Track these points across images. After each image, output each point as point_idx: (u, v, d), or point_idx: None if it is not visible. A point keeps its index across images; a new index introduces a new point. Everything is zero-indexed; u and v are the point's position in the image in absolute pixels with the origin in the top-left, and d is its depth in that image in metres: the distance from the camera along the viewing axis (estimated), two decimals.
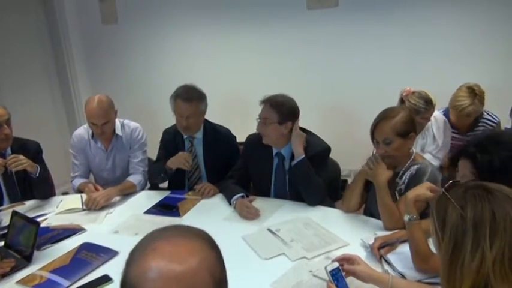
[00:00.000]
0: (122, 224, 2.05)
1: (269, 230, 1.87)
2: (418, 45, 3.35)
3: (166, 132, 2.64)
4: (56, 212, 2.24)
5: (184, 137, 2.54)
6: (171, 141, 2.57)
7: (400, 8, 3.33)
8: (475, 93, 2.69)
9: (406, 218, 1.48)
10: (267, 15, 3.66)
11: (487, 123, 2.86)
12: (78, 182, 2.58)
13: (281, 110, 2.10)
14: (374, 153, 1.96)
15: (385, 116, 1.83)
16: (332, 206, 2.33)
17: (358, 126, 3.70)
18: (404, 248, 1.57)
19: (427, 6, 3.26)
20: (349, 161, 3.28)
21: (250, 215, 2.02)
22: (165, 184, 2.66)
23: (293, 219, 1.97)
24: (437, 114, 2.88)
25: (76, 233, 1.97)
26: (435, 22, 3.27)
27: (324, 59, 3.63)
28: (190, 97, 2.38)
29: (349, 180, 2.87)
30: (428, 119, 2.77)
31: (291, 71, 3.73)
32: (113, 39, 4.19)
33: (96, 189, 2.35)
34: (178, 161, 2.36)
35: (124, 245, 1.81)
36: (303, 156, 2.10)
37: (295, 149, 2.13)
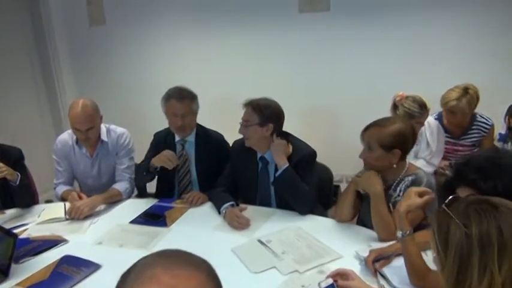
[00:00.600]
0: (106, 235, 1.96)
1: (259, 241, 1.80)
2: (409, 49, 3.32)
3: (157, 135, 2.57)
4: (38, 221, 2.14)
5: (176, 139, 2.47)
6: (162, 143, 2.50)
7: (392, 12, 3.29)
8: (467, 92, 2.65)
9: (399, 234, 1.42)
10: (259, 18, 3.60)
11: (480, 126, 2.83)
12: (61, 189, 2.49)
13: (262, 111, 2.08)
14: None
15: (378, 122, 1.78)
16: (324, 214, 2.27)
17: (349, 131, 3.64)
18: (400, 262, 1.50)
19: (419, 11, 3.23)
20: (341, 166, 3.25)
21: (240, 225, 1.95)
22: (153, 189, 2.58)
23: (284, 229, 1.90)
24: (430, 119, 2.84)
25: (57, 244, 1.88)
26: (427, 27, 3.24)
27: (315, 63, 3.58)
28: (183, 96, 2.36)
29: (342, 186, 2.82)
30: (422, 124, 2.72)
31: (282, 74, 3.67)
32: (101, 42, 4.09)
33: (80, 198, 2.26)
34: (161, 159, 2.28)
35: (107, 258, 1.77)
36: (286, 165, 2.04)
37: (276, 159, 2.07)
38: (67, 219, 2.14)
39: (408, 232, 1.40)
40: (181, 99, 2.34)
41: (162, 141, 2.52)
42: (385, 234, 1.70)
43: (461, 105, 2.65)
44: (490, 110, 2.89)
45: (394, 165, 1.76)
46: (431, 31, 3.23)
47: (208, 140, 2.48)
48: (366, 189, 1.77)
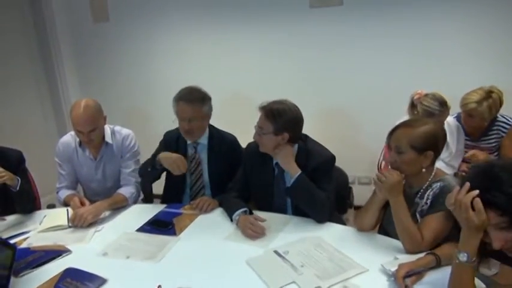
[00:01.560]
0: (112, 245, 1.84)
1: (276, 252, 1.68)
2: (426, 46, 3.19)
3: (168, 135, 2.44)
4: (39, 229, 2.03)
5: (188, 142, 2.34)
6: (173, 143, 2.37)
7: (408, 7, 3.16)
8: (490, 96, 2.51)
9: (461, 256, 1.19)
10: (268, 14, 3.48)
11: (501, 126, 2.69)
12: (64, 193, 2.38)
13: (276, 120, 1.92)
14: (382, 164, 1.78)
15: (406, 123, 1.65)
16: (341, 220, 2.16)
17: (362, 130, 3.54)
18: (433, 277, 1.39)
19: (437, 5, 3.09)
20: (354, 167, 3.12)
21: (254, 233, 1.82)
22: (160, 190, 2.46)
23: (302, 239, 1.78)
24: (450, 119, 2.71)
25: (60, 255, 1.76)
26: (445, 22, 3.11)
27: (327, 60, 3.46)
28: (192, 98, 2.22)
29: (354, 188, 2.68)
30: (443, 123, 2.58)
31: (293, 72, 3.56)
32: (104, 39, 3.98)
33: (82, 204, 2.14)
34: (168, 162, 2.13)
35: (113, 271, 1.64)
36: (299, 172, 1.91)
37: (286, 167, 1.94)
38: (70, 227, 2.02)
39: (474, 259, 1.19)
40: (189, 102, 2.20)
41: (174, 141, 2.39)
42: (411, 246, 1.57)
43: (481, 109, 2.51)
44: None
45: (424, 170, 1.63)
46: (449, 27, 3.11)
47: (221, 142, 2.36)
48: (386, 196, 1.64)
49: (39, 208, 2.35)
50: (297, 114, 1.98)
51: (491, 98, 2.51)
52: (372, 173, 3.55)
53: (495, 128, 2.70)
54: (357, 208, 2.75)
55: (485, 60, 3.08)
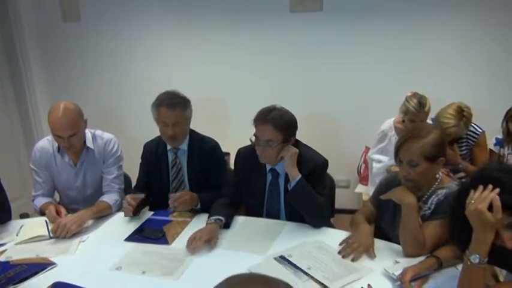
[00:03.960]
0: (100, 256, 1.74)
1: (281, 257, 1.65)
2: (407, 52, 3.29)
3: (148, 146, 2.39)
4: (17, 241, 1.89)
5: (168, 148, 2.28)
6: (153, 153, 2.32)
7: (387, 14, 3.25)
8: (463, 115, 2.60)
9: (473, 258, 1.20)
10: (248, 17, 3.47)
11: (470, 136, 2.79)
12: (40, 202, 2.22)
13: (283, 127, 1.86)
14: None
15: (414, 134, 1.62)
16: (331, 224, 2.15)
17: (341, 134, 3.58)
18: (439, 281, 1.40)
19: (414, 12, 3.20)
20: (333, 171, 3.15)
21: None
22: None
23: (301, 243, 1.75)
24: None
25: (44, 268, 1.64)
26: (424, 28, 3.22)
27: (305, 65, 3.48)
28: (174, 103, 2.16)
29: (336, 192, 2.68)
30: (414, 122, 2.63)
31: (272, 76, 3.55)
32: (75, 39, 3.80)
33: (58, 212, 2.01)
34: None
35: (105, 285, 1.55)
36: (299, 176, 1.88)
37: (289, 170, 1.89)
38: (51, 238, 1.89)
39: (484, 260, 1.19)
40: (172, 107, 2.14)
41: (153, 150, 2.34)
42: (414, 250, 1.58)
43: (459, 131, 2.63)
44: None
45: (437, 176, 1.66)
46: (429, 33, 3.21)
47: (201, 147, 2.31)
48: (399, 199, 1.65)
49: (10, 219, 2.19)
50: (293, 115, 1.95)
51: (464, 117, 2.60)
52: (350, 176, 3.63)
53: (464, 136, 2.80)
54: (339, 212, 2.78)
55: (463, 68, 3.22)
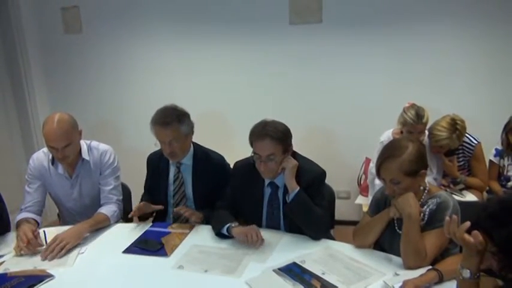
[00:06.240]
0: (99, 268, 1.73)
1: (294, 263, 1.67)
2: (405, 63, 3.30)
3: (150, 158, 2.39)
4: (15, 253, 1.87)
5: (170, 162, 2.27)
6: (155, 166, 2.32)
7: (386, 25, 3.27)
8: (456, 128, 2.61)
9: (464, 273, 1.22)
10: (248, 30, 3.49)
11: (466, 147, 2.80)
12: (22, 215, 2.13)
13: (281, 138, 1.87)
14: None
15: (391, 154, 1.63)
16: (331, 236, 2.14)
17: (342, 145, 3.58)
18: None
19: (413, 24, 3.22)
20: (334, 182, 3.14)
21: (252, 240, 1.80)
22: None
23: (312, 252, 1.77)
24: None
25: (42, 281, 1.63)
26: (421, 41, 3.23)
27: (305, 77, 3.50)
28: (167, 121, 2.12)
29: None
30: (417, 138, 2.61)
31: (271, 88, 3.57)
32: (76, 51, 3.84)
33: (34, 235, 1.89)
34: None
35: None
36: (298, 188, 1.87)
37: (289, 182, 1.89)
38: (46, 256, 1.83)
39: (478, 275, 1.21)
40: (164, 125, 2.11)
41: (155, 163, 2.34)
42: (415, 262, 1.57)
43: (452, 143, 2.64)
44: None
45: (422, 187, 1.66)
46: (428, 46, 3.23)
47: (206, 162, 2.28)
48: (400, 209, 1.64)
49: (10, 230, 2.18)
50: (285, 124, 1.96)
51: (457, 129, 2.62)
52: (351, 187, 3.61)
53: (460, 147, 2.80)
54: (339, 223, 2.76)
55: (461, 79, 3.24)
